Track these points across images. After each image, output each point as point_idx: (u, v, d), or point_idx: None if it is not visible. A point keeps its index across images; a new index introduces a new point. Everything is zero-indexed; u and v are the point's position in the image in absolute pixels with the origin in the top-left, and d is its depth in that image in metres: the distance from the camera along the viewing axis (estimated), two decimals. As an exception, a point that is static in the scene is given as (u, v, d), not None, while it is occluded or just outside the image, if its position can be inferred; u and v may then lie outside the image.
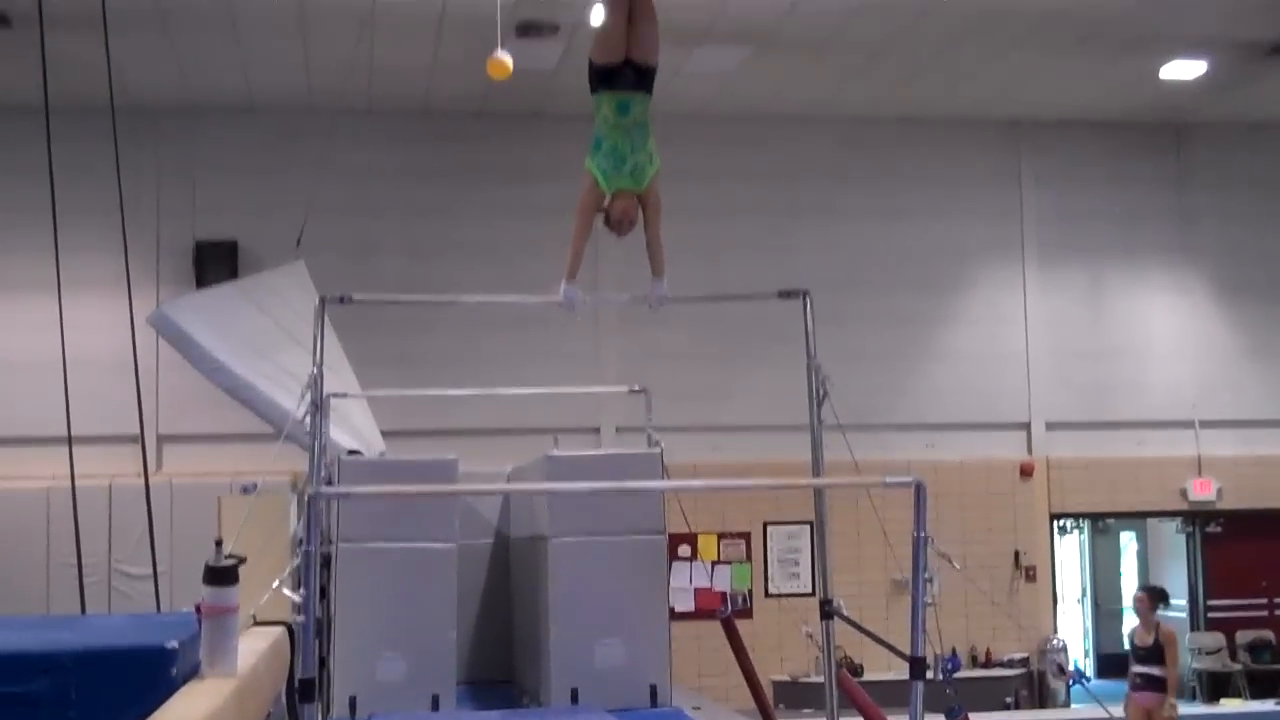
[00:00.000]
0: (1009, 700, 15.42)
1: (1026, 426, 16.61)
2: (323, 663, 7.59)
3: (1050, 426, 16.59)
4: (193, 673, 4.66)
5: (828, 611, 7.65)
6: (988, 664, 15.85)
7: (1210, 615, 16.90)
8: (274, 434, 9.29)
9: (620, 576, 7.49)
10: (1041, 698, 15.91)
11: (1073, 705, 15.69)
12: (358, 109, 15.10)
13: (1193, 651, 16.64)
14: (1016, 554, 16.29)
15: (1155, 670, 11.60)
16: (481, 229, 15.64)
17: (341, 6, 12.55)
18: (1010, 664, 15.84)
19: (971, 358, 16.49)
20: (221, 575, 4.88)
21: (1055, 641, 16.19)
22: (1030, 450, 16.57)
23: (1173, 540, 17.95)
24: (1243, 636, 16.88)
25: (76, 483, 8.64)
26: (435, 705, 7.48)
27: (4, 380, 14.44)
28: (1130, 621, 13.49)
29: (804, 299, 7.77)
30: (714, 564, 15.49)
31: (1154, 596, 12.00)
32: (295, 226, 13.30)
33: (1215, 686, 16.60)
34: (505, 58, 9.98)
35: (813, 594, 13.93)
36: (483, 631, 9.29)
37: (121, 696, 4.18)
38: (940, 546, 5.47)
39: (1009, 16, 13.32)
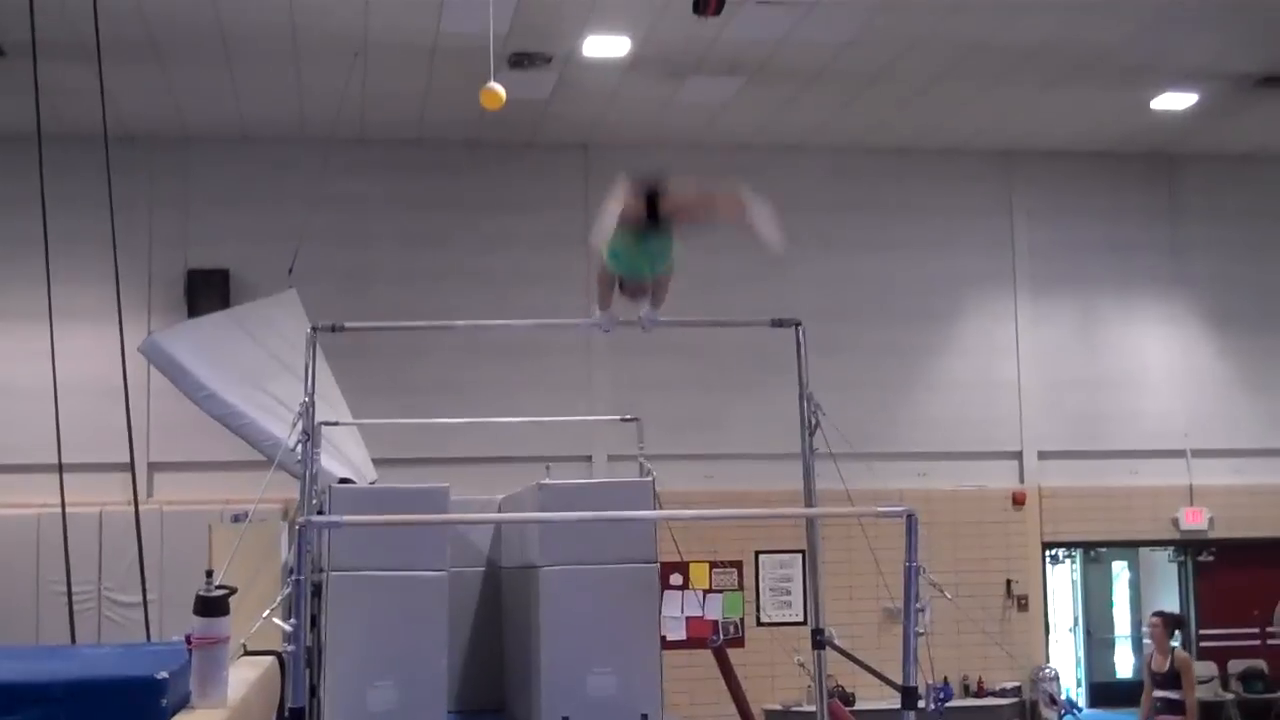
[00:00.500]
0: (1001, 730, 15.42)
1: (1019, 456, 16.62)
2: (313, 692, 7.57)
3: (1042, 456, 16.60)
4: (183, 703, 4.64)
5: (819, 641, 7.65)
6: (980, 693, 15.82)
7: (1202, 645, 16.87)
8: (265, 462, 9.29)
9: (612, 605, 7.48)
10: (1034, 727, 15.89)
11: (1065, 734, 15.67)
12: (350, 138, 15.12)
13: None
14: (1008, 583, 16.28)
15: (1174, 694, 11.64)
16: (474, 258, 15.64)
17: (335, 36, 12.58)
18: (1002, 693, 15.82)
19: (964, 387, 16.51)
20: (212, 606, 4.87)
21: (1047, 671, 16.16)
22: (1022, 479, 16.58)
23: (1165, 569, 17.93)
24: (1235, 666, 16.85)
25: (67, 510, 8.63)
26: (427, 734, 7.46)
27: (-5, 408, 14.41)
28: (1122, 650, 13.48)
29: (796, 329, 7.79)
30: (706, 592, 15.45)
31: (1168, 622, 12.01)
32: (287, 255, 13.31)
33: (1208, 716, 16.52)
34: (498, 88, 10.01)
35: (804, 623, 13.90)
36: (474, 660, 9.26)
37: (112, 727, 4.16)
38: (932, 576, 5.47)
39: (1001, 48, 13.38)
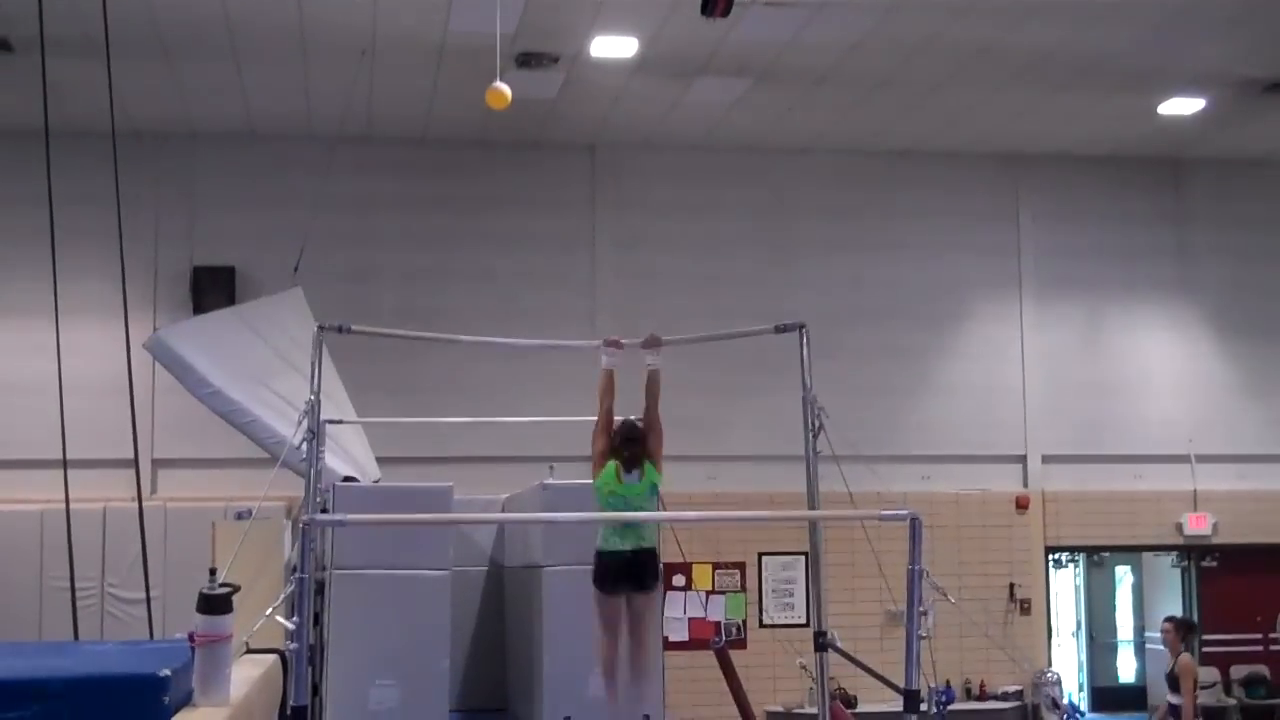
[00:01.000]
0: (1003, 733, 15.40)
1: (1023, 460, 16.60)
2: (315, 690, 7.58)
3: (1046, 460, 16.59)
4: (185, 700, 4.65)
5: (822, 643, 7.65)
6: (982, 697, 15.80)
7: (1205, 650, 16.83)
8: (269, 460, 9.29)
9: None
10: (1035, 731, 15.88)
11: (1066, 739, 15.65)
12: (357, 137, 15.12)
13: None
14: (1011, 587, 16.26)
15: (1175, 699, 11.68)
16: (480, 257, 15.63)
17: (342, 35, 12.58)
18: (1004, 697, 15.80)
19: (968, 391, 16.49)
20: (215, 604, 4.88)
21: (1049, 675, 16.14)
22: (1026, 483, 16.56)
23: (1168, 574, 17.91)
24: (1237, 671, 16.83)
25: (71, 506, 8.63)
26: (428, 733, 7.47)
27: (0, 403, 14.42)
28: (1124, 655, 13.48)
29: (801, 332, 7.80)
30: (708, 594, 15.44)
31: (1179, 626, 12.05)
32: (293, 253, 13.33)
33: (1210, 721, 16.58)
34: (504, 88, 10.00)
35: (807, 625, 13.91)
36: (476, 659, 9.28)
37: (114, 724, 4.17)
38: (935, 579, 5.47)
39: (1008, 52, 13.36)
